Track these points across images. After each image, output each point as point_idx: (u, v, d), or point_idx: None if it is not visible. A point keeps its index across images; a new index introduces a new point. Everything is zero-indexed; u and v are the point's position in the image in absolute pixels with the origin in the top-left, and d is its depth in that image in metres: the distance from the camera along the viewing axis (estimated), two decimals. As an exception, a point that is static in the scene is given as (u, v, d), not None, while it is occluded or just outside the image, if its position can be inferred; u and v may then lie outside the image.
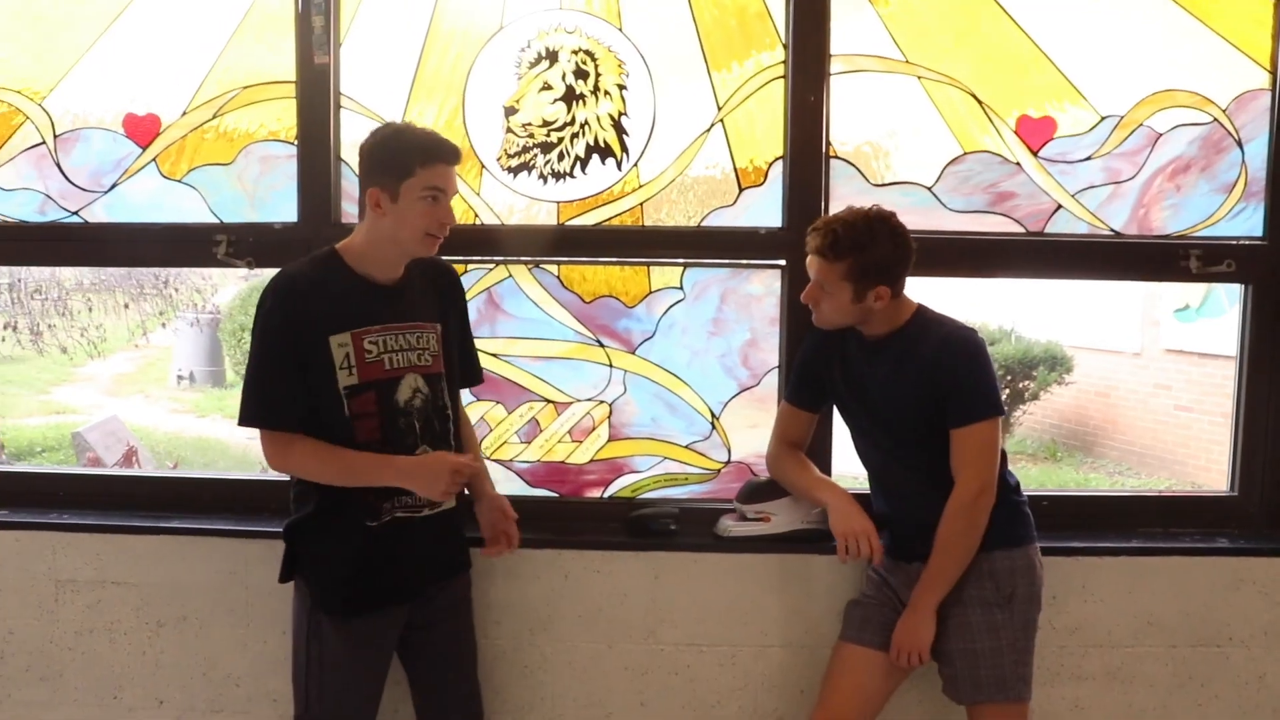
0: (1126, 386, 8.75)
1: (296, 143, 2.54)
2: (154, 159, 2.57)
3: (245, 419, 2.07)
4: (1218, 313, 7.68)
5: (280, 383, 2.05)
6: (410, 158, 2.04)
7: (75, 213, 2.60)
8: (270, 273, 2.16)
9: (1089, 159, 2.52)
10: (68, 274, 9.10)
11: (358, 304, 2.08)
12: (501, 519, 2.27)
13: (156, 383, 11.78)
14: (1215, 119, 2.52)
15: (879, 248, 2.14)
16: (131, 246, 2.66)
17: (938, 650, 2.23)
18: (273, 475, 2.33)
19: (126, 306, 8.87)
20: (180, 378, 11.20)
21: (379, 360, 2.08)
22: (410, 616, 2.22)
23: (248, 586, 2.50)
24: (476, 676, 2.34)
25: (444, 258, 2.26)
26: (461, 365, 2.28)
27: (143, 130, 2.57)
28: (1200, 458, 7.94)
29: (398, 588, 2.16)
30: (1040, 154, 2.51)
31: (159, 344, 12.00)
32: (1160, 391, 8.40)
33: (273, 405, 2.06)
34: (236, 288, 10.75)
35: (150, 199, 2.58)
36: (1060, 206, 2.53)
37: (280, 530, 2.18)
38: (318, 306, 2.04)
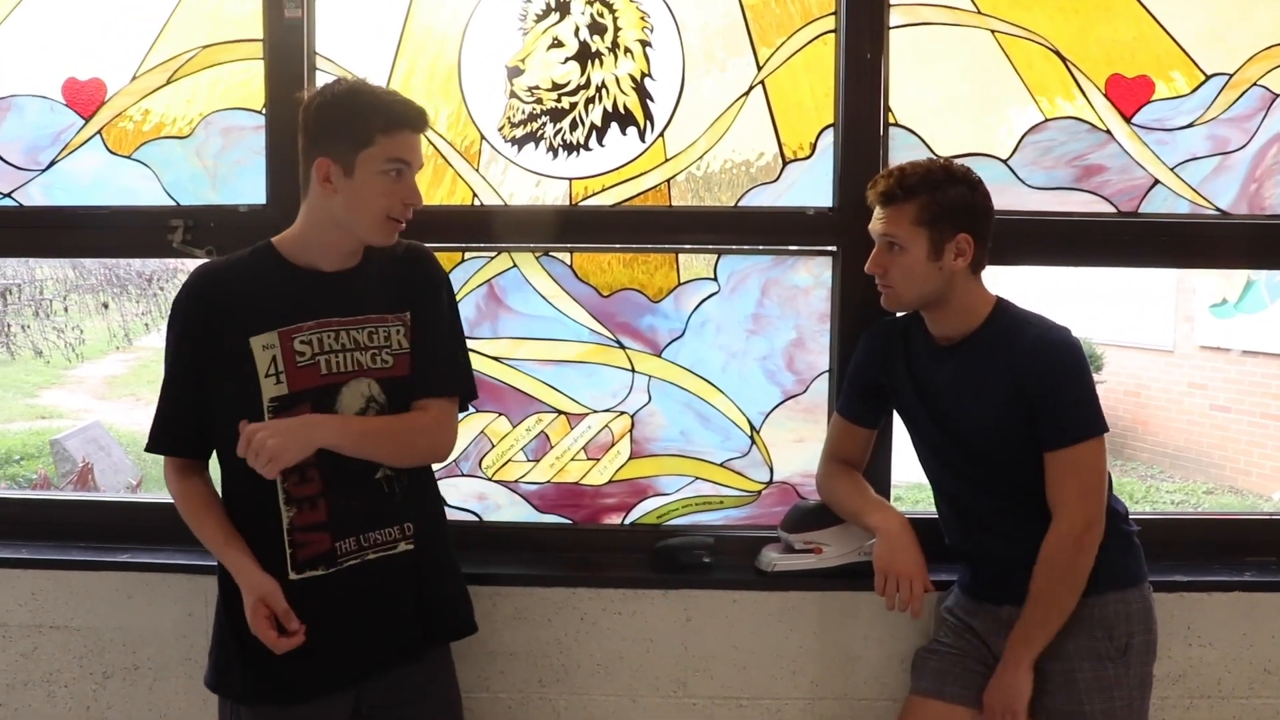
0: (1159, 385, 8.76)
1: (265, 112, 2.30)
2: (99, 131, 2.33)
3: (149, 444, 1.85)
4: (1258, 308, 7.61)
5: (178, 399, 1.81)
6: (370, 122, 1.74)
7: (8, 195, 2.36)
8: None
9: (1191, 125, 2.27)
10: (46, 272, 8.90)
11: (291, 297, 1.79)
12: None
13: (150, 385, 11.72)
14: (1342, 77, 2.26)
15: (955, 186, 1.93)
16: (73, 234, 2.38)
17: (1036, 707, 1.96)
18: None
19: (106, 306, 8.63)
20: (174, 380, 11.14)
21: (313, 364, 1.78)
22: (358, 703, 1.86)
23: (209, 632, 2.16)
24: None
25: (437, 245, 1.99)
26: (434, 371, 1.85)
27: (86, 98, 2.33)
28: (1239, 460, 7.92)
29: (347, 664, 1.81)
30: (1134, 120, 2.27)
31: (154, 345, 11.96)
32: (1195, 390, 8.40)
33: (167, 425, 1.83)
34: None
35: (95, 178, 2.35)
36: (1157, 182, 2.29)
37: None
38: (239, 302, 1.78)
